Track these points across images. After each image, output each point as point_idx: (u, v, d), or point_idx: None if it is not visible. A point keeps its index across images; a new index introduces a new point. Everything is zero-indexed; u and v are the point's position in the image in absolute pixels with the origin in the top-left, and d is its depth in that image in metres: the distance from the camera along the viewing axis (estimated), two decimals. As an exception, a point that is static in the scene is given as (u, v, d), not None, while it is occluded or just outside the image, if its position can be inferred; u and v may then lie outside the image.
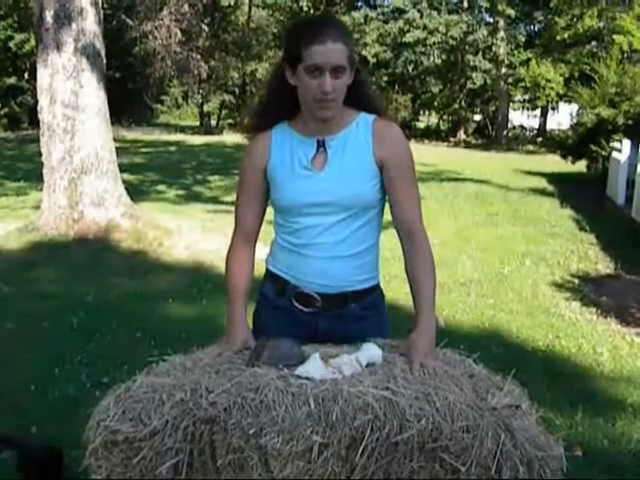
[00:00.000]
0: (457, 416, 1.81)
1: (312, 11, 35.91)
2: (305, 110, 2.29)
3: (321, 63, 2.14)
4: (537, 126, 42.39)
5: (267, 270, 2.48)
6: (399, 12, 36.52)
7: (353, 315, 2.37)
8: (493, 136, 37.54)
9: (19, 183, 15.04)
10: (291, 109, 2.33)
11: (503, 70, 35.72)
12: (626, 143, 13.64)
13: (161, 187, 15.41)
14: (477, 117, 42.00)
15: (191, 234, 9.48)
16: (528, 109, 41.18)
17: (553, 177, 18.82)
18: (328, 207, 2.26)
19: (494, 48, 35.27)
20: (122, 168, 10.23)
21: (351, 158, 2.27)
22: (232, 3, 38.03)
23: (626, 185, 12.96)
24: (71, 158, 9.05)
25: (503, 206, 13.27)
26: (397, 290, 5.50)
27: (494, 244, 9.59)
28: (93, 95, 9.18)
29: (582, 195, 14.80)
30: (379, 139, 2.28)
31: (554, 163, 21.20)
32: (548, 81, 32.61)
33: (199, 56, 36.68)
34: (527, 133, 41.70)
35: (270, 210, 2.42)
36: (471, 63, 35.28)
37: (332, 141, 2.29)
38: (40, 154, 9.37)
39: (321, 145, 2.29)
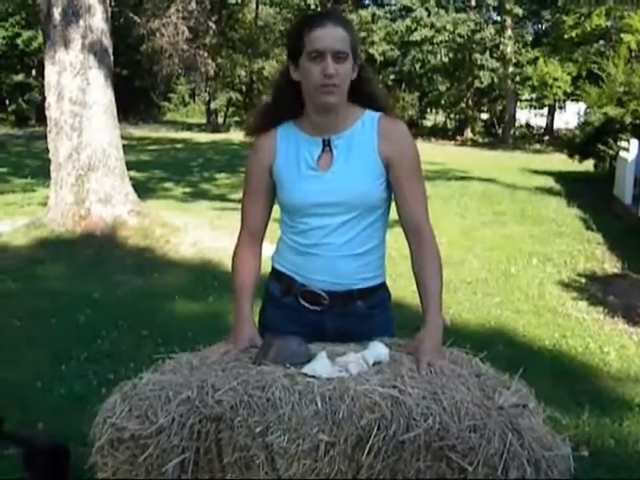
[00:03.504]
0: (464, 415, 1.80)
1: (319, 8, 35.85)
2: (309, 104, 2.28)
3: (322, 47, 2.14)
4: (544, 125, 42.29)
5: (273, 268, 2.47)
6: (406, 10, 36.54)
7: (359, 313, 2.37)
8: (500, 135, 37.48)
9: (26, 180, 15.08)
10: (296, 108, 2.32)
11: (510, 69, 35.65)
12: (634, 142, 13.59)
13: (168, 184, 15.44)
14: (484, 116, 41.89)
15: (198, 231, 9.49)
16: (535, 108, 41.09)
17: (560, 176, 18.77)
18: (334, 207, 2.26)
19: (501, 47, 35.23)
20: (129, 165, 10.25)
21: (357, 157, 2.26)
22: (239, 1, 38.06)
23: (633, 184, 12.91)
24: (78, 155, 9.07)
25: (510, 205, 13.24)
26: (404, 289, 5.49)
27: (501, 243, 9.57)
28: (100, 92, 9.20)
29: (589, 194, 14.76)
30: (385, 137, 2.27)
31: (561, 162, 21.15)
32: (555, 80, 32.51)
33: (206, 54, 36.74)
34: (534, 132, 41.60)
35: (276, 208, 2.41)
36: (478, 62, 35.21)
37: (338, 140, 2.28)
38: (47, 151, 9.38)
39: (327, 144, 2.28)
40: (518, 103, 39.06)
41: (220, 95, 40.47)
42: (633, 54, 22.27)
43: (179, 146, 26.99)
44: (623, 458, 3.77)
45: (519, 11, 34.31)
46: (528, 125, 42.37)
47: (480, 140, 37.66)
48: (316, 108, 2.26)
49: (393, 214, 2.35)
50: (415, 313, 2.47)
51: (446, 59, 36.48)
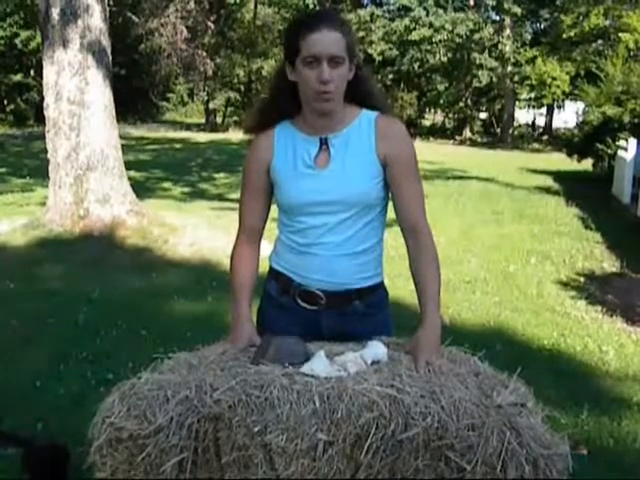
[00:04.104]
0: (462, 414, 1.81)
1: (317, 8, 35.84)
2: (306, 106, 2.28)
3: (317, 52, 2.13)
4: (543, 124, 42.30)
5: (271, 268, 2.47)
6: (405, 10, 36.48)
7: (357, 313, 2.36)
8: (499, 134, 37.52)
9: (25, 180, 15.07)
10: (293, 107, 2.32)
11: (509, 68, 35.69)
12: (632, 142, 13.63)
13: (166, 184, 15.43)
14: (483, 115, 41.95)
15: (196, 231, 9.48)
16: (534, 107, 41.10)
17: (559, 175, 18.79)
18: (332, 206, 2.26)
19: (500, 46, 35.23)
20: (128, 165, 10.24)
21: (354, 156, 2.26)
22: (238, 0, 38.01)
23: (632, 183, 12.95)
24: (77, 155, 9.06)
25: (508, 204, 13.25)
26: (402, 288, 5.50)
27: (499, 242, 9.58)
28: (99, 92, 9.19)
29: (588, 193, 14.76)
30: (382, 136, 2.27)
31: (560, 161, 21.16)
32: (554, 79, 32.54)
33: (205, 53, 36.77)
34: (533, 131, 41.60)
35: (274, 207, 2.41)
36: (477, 61, 35.20)
37: (335, 139, 2.28)
38: (46, 151, 9.38)
39: (324, 143, 2.28)
40: (517, 102, 39.06)
41: (219, 95, 40.44)
42: (631, 53, 22.32)
43: (178, 146, 26.98)
44: (622, 457, 3.77)
45: (517, 10, 34.30)
46: (533, 124, 42.38)
47: (479, 139, 37.70)
48: (313, 111, 2.26)
49: (391, 213, 2.35)
50: (413, 312, 2.46)
51: (445, 58, 36.46)
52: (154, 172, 17.35)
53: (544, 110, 41.40)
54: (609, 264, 8.33)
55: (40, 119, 12.50)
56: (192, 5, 35.19)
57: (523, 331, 5.85)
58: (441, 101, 39.33)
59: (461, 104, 38.10)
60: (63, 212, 9.11)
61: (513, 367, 2.14)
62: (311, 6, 35.87)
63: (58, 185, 9.18)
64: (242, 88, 42.40)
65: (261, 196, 2.40)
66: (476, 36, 34.57)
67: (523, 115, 42.81)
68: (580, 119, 19.76)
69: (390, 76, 39.19)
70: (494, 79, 35.96)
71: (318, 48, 2.13)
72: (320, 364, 1.98)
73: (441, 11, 34.96)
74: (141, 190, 11.50)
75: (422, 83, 40.79)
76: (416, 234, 2.27)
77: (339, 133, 2.28)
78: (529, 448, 1.79)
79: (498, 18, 36.73)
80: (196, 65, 36.97)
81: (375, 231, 2.34)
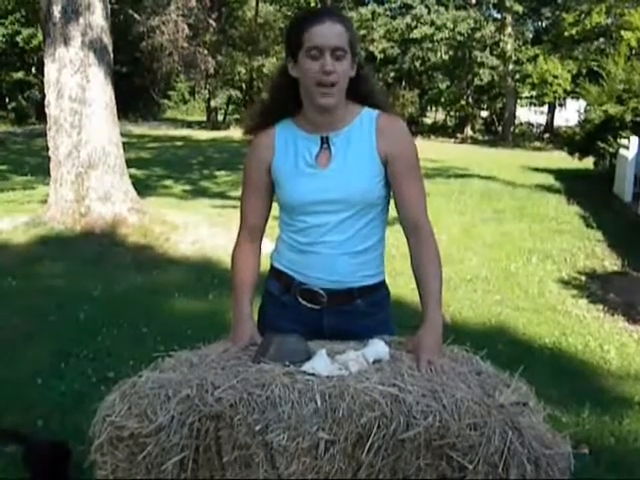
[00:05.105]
0: (464, 413, 1.80)
1: (319, 6, 35.86)
2: (307, 101, 2.27)
3: (321, 43, 2.14)
4: (544, 123, 42.28)
5: (272, 266, 2.47)
6: (406, 8, 36.50)
7: (359, 311, 2.36)
8: (500, 132, 37.48)
9: (26, 177, 15.07)
10: (294, 106, 2.32)
11: (510, 66, 35.66)
12: (634, 140, 13.59)
13: (168, 182, 15.42)
14: (484, 113, 41.90)
15: (198, 229, 9.47)
16: (535, 105, 41.07)
17: (560, 174, 18.77)
18: (333, 205, 2.25)
19: (502, 44, 35.24)
20: (129, 163, 10.24)
21: (355, 154, 2.26)
22: (239, -2, 38.04)
23: (633, 182, 12.93)
24: (78, 152, 9.07)
25: (510, 203, 13.23)
26: (403, 287, 5.49)
27: (501, 241, 9.57)
28: (100, 89, 9.19)
29: (589, 192, 14.75)
30: (383, 134, 2.27)
31: (561, 160, 21.15)
32: (555, 77, 32.53)
33: (206, 51, 36.65)
34: (534, 130, 41.56)
35: (275, 206, 2.41)
36: (478, 59, 35.22)
37: (336, 137, 2.27)
38: (47, 148, 9.38)
39: (325, 142, 2.28)
40: (518, 101, 39.03)
41: (220, 93, 40.43)
42: (633, 52, 22.28)
43: (179, 144, 26.98)
44: (623, 456, 3.76)
45: (519, 8, 34.29)
46: (528, 123, 42.34)
47: (480, 138, 37.68)
48: (314, 107, 2.26)
49: (392, 212, 2.34)
50: (415, 311, 2.46)
51: (446, 57, 36.50)
52: (155, 170, 17.35)
53: (545, 108, 41.34)
54: (610, 263, 8.32)
55: (41, 117, 12.50)
56: (193, 3, 35.06)
57: (524, 330, 5.84)
58: (442, 99, 39.31)
59: (462, 102, 38.07)
60: (64, 210, 9.11)
61: (514, 366, 2.13)
62: (312, 4, 35.88)
63: (59, 183, 9.18)
64: (243, 86, 42.41)
65: (262, 194, 2.39)
66: (477, 34, 34.58)
67: (525, 113, 42.75)
68: (582, 117, 19.73)
69: (391, 74, 39.19)
70: (495, 77, 35.97)
71: (321, 39, 2.14)
72: (321, 363, 1.98)
73: (442, 9, 34.99)
74: (142, 188, 11.49)
75: (423, 81, 40.81)
76: (418, 232, 2.26)
77: (340, 131, 2.27)
78: (531, 448, 1.79)
79: (500, 16, 36.75)
80: (197, 63, 36.86)
81: (376, 230, 2.34)
